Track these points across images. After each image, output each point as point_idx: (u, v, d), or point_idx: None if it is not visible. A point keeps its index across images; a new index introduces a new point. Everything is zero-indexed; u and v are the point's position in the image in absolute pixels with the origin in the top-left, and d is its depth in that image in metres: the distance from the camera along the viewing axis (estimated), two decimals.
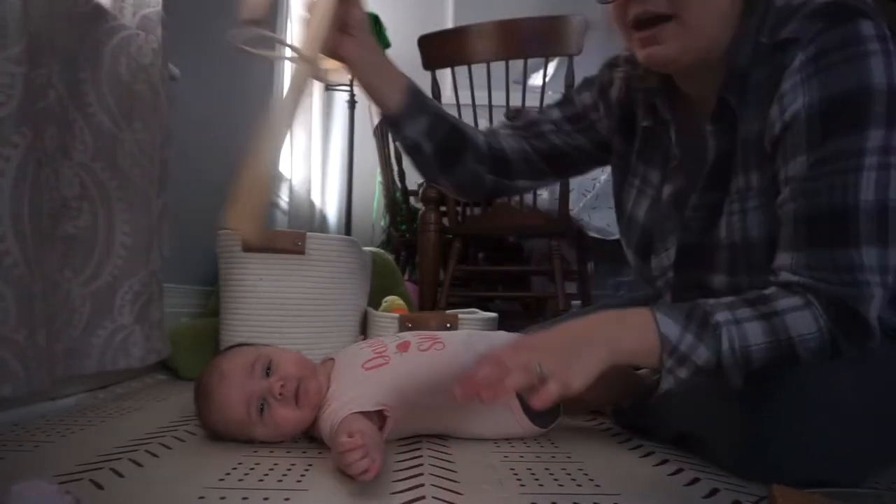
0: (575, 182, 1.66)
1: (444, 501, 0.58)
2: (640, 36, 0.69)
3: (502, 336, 0.92)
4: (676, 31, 0.67)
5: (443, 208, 1.78)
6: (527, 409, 0.80)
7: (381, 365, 0.82)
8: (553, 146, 0.93)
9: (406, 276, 2.33)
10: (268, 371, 0.77)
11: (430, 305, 1.76)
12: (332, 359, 0.87)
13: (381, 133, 2.14)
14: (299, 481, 0.64)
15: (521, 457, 0.76)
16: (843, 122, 0.61)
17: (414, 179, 1.93)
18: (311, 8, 0.76)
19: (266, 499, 0.58)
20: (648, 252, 0.84)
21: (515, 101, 1.60)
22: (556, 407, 0.83)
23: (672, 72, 0.76)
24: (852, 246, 0.60)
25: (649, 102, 0.81)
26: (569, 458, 0.75)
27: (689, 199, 0.76)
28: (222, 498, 0.58)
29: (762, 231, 0.68)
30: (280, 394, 0.75)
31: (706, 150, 0.73)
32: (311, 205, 2.85)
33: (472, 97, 1.56)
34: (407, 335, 0.90)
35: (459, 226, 1.75)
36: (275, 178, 2.47)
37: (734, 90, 0.69)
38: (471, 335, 0.88)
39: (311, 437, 0.81)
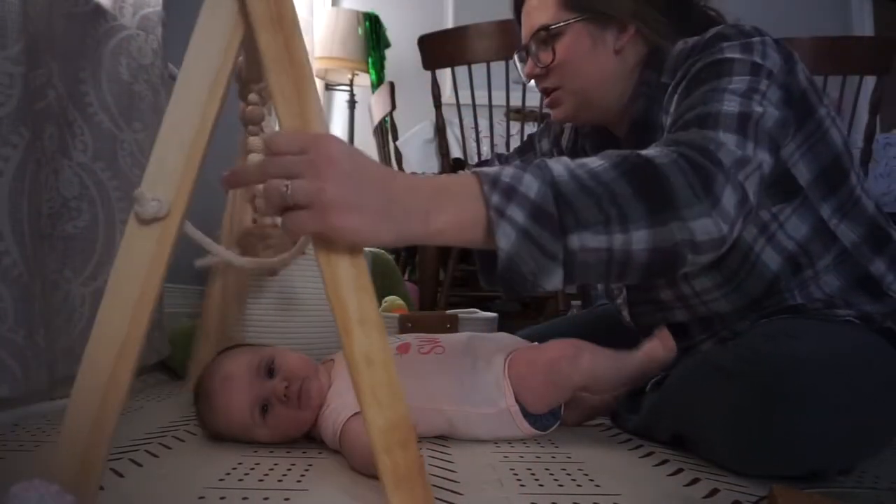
0: None
1: (444, 501, 0.58)
2: (546, 102, 0.85)
3: (503, 337, 0.92)
4: (565, 95, 0.82)
5: None
6: (526, 414, 0.80)
7: None
8: None
9: (406, 276, 2.33)
10: (271, 372, 0.77)
11: (430, 305, 1.76)
12: (332, 359, 0.87)
13: (380, 133, 2.14)
14: (299, 481, 0.64)
15: (521, 457, 0.76)
16: (709, 77, 0.68)
17: None
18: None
19: (266, 499, 0.58)
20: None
21: (515, 101, 1.60)
22: (556, 410, 0.83)
23: (585, 124, 0.89)
24: (713, 130, 0.62)
25: (583, 145, 0.92)
26: (569, 458, 0.75)
27: None
28: (222, 498, 0.58)
29: None
30: (284, 395, 0.75)
31: None
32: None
33: (472, 97, 1.56)
34: (407, 337, 0.90)
35: None
36: None
37: (636, 135, 0.79)
38: (471, 338, 0.89)
39: (311, 438, 0.81)
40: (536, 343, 0.88)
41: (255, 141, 0.92)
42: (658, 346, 0.84)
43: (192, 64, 0.53)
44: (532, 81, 0.88)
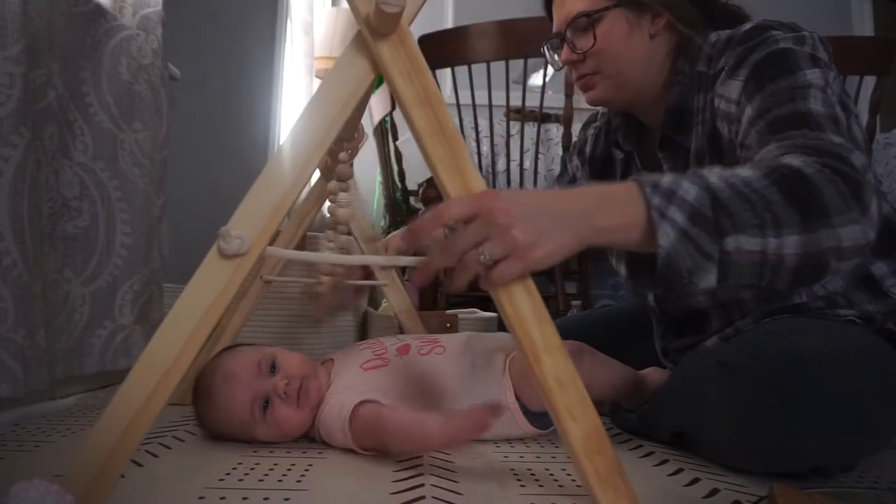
0: None
1: (444, 501, 0.58)
2: (580, 83, 0.87)
3: (503, 336, 0.92)
4: (602, 80, 0.84)
5: None
6: (526, 412, 0.80)
7: (379, 366, 0.82)
8: None
9: (406, 277, 2.33)
10: (272, 370, 0.77)
11: (430, 305, 1.76)
12: (331, 359, 0.87)
13: (380, 133, 2.13)
14: (299, 481, 0.64)
15: (521, 457, 0.76)
16: (777, 72, 0.69)
17: (414, 179, 1.92)
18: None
19: (266, 499, 0.58)
20: (634, 267, 0.89)
21: (515, 101, 1.60)
22: None
23: (619, 108, 0.90)
24: (817, 131, 0.63)
25: (615, 139, 0.94)
26: (569, 458, 0.75)
27: None
28: (222, 498, 0.58)
29: None
30: (284, 392, 0.75)
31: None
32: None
33: (472, 97, 1.56)
34: (407, 338, 0.90)
35: None
36: None
37: (671, 121, 0.81)
38: (471, 338, 0.89)
39: (311, 438, 0.81)
40: None
41: (343, 196, 1.04)
42: (654, 375, 0.86)
43: (311, 119, 0.57)
44: (563, 68, 0.89)
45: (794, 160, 0.59)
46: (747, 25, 0.77)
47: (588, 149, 1.00)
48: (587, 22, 0.82)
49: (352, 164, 1.04)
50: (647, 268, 0.57)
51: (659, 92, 0.84)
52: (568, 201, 0.56)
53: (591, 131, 1.01)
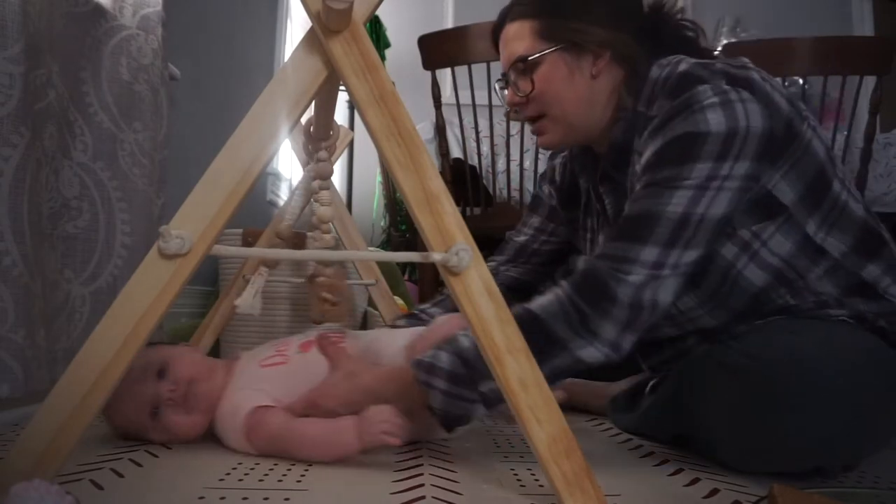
0: None
1: (444, 501, 0.58)
2: (531, 129, 0.87)
3: (411, 333, 0.89)
4: (549, 124, 0.84)
5: None
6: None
7: (278, 363, 0.82)
8: (553, 251, 1.02)
9: (406, 276, 2.33)
10: (160, 375, 0.77)
11: None
12: (239, 356, 0.87)
13: None
14: (299, 481, 0.64)
15: (521, 457, 0.76)
16: (674, 157, 0.70)
17: None
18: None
19: (266, 499, 0.58)
20: None
21: None
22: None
23: (571, 147, 0.92)
24: (639, 243, 0.69)
25: (573, 169, 0.95)
26: None
27: None
28: (222, 498, 0.58)
29: None
30: (170, 398, 0.75)
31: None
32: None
33: (472, 97, 1.56)
34: (314, 335, 0.88)
35: None
36: (274, 178, 2.47)
37: (612, 157, 0.82)
38: (378, 337, 0.87)
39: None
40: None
41: (324, 195, 1.05)
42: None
43: (258, 117, 0.57)
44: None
45: (542, 300, 0.70)
46: (682, 66, 0.75)
47: (557, 177, 1.01)
48: (525, 66, 0.81)
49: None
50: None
51: (607, 127, 0.84)
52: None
53: (558, 160, 1.01)
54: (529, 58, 0.81)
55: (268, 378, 0.80)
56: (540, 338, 0.66)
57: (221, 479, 0.64)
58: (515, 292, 0.95)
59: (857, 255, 0.73)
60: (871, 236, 0.75)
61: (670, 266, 0.68)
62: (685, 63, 0.76)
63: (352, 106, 2.88)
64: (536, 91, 0.81)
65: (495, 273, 1.01)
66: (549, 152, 1.13)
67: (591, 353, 0.68)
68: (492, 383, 0.64)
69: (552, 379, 0.67)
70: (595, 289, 0.69)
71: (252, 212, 2.12)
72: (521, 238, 1.04)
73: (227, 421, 0.75)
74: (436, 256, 0.56)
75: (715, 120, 0.69)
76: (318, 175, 1.02)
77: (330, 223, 1.09)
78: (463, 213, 1.74)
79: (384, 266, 1.67)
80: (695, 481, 0.66)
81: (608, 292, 0.68)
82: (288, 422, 0.73)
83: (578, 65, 0.81)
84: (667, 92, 0.74)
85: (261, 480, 0.64)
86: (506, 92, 0.87)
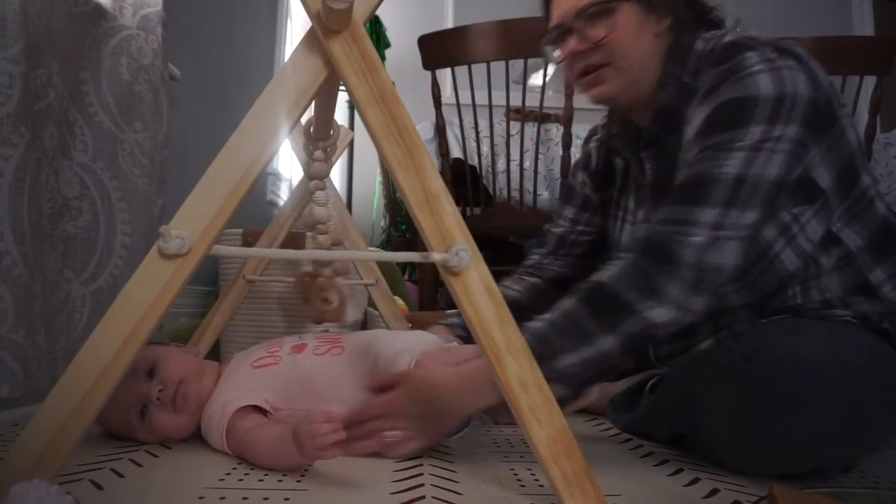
0: None
1: (444, 501, 0.58)
2: (586, 80, 0.84)
3: (413, 336, 0.89)
4: (612, 72, 0.82)
5: None
6: None
7: (269, 364, 0.82)
8: (591, 241, 1.02)
9: (406, 276, 2.33)
10: (150, 374, 0.77)
11: (430, 305, 1.76)
12: (232, 357, 0.87)
13: None
14: (299, 481, 0.64)
15: (522, 457, 0.76)
16: (725, 122, 0.72)
17: None
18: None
19: (266, 499, 0.58)
20: None
21: (515, 101, 1.60)
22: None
23: (619, 108, 0.90)
24: (697, 205, 0.70)
25: (615, 148, 0.95)
26: None
27: None
28: (222, 498, 0.58)
29: None
30: (158, 398, 0.75)
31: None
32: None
33: (472, 97, 1.56)
34: (308, 336, 0.88)
35: None
36: (274, 178, 2.47)
37: (661, 119, 0.82)
38: (377, 339, 0.86)
39: None
40: (454, 344, 0.86)
41: (320, 195, 1.04)
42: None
43: (258, 117, 0.57)
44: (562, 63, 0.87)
45: (603, 274, 0.72)
46: (728, 38, 0.77)
47: (593, 161, 1.01)
48: (601, 10, 0.80)
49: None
50: None
51: (654, 92, 0.84)
52: (447, 399, 0.72)
53: (592, 144, 1.01)
54: (606, 2, 0.80)
55: (258, 379, 0.80)
56: (609, 303, 0.69)
57: (221, 479, 0.64)
58: (560, 288, 0.95)
59: (871, 254, 0.75)
60: (888, 236, 0.75)
61: (730, 226, 0.69)
62: (730, 35, 0.78)
63: (352, 106, 2.88)
64: (609, 38, 0.80)
65: (539, 267, 1.04)
66: (562, 141, 1.11)
67: (661, 313, 0.68)
68: (561, 359, 0.67)
69: (625, 350, 0.69)
70: (658, 252, 0.70)
71: (252, 212, 2.12)
72: (559, 230, 1.04)
73: (213, 421, 0.75)
74: (436, 256, 0.56)
75: (764, 84, 0.70)
76: (313, 175, 1.02)
77: (326, 223, 1.08)
78: (463, 213, 1.74)
79: (384, 266, 1.67)
80: (695, 481, 0.66)
81: (672, 255, 0.68)
82: (254, 427, 0.72)
83: (647, 20, 0.81)
84: (713, 61, 0.76)
85: (261, 480, 0.64)
86: (554, 48, 0.86)
